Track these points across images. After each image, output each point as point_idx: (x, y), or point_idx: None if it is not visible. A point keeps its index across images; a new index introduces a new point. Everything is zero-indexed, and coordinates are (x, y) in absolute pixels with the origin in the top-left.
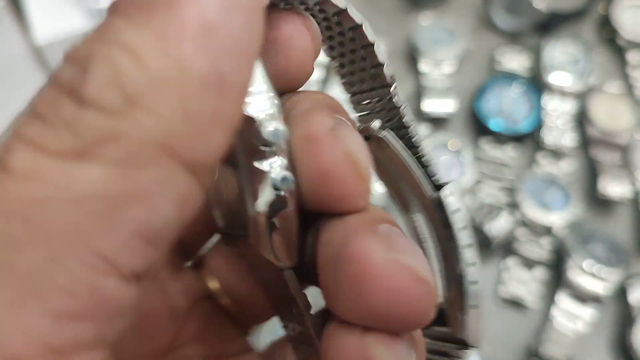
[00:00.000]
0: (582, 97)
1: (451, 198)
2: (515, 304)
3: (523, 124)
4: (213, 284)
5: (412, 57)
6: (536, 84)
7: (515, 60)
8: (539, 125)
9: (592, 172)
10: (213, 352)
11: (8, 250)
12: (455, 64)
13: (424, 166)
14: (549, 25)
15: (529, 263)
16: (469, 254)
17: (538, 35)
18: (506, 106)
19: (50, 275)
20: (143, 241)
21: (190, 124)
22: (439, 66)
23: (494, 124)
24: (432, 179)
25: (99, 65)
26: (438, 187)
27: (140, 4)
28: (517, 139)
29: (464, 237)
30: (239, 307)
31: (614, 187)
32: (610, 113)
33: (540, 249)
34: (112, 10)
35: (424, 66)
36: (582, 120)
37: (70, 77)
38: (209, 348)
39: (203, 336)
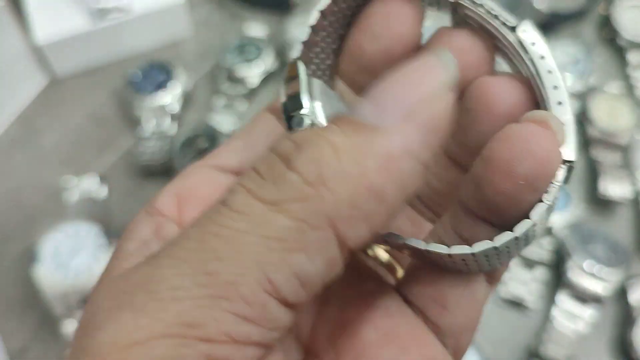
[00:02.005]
0: (582, 97)
1: (528, 34)
2: (516, 304)
3: None
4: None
5: None
6: None
7: None
8: None
9: (592, 173)
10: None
11: (213, 260)
12: None
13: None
14: (549, 25)
15: (529, 263)
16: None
17: None
18: None
19: (238, 286)
20: (299, 282)
21: (352, 213)
22: None
23: None
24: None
25: (310, 148)
26: (513, 28)
27: (354, 124)
28: None
29: (551, 79)
30: None
31: (615, 188)
32: (611, 113)
33: (541, 249)
34: (336, 119)
35: None
36: (582, 120)
37: (287, 149)
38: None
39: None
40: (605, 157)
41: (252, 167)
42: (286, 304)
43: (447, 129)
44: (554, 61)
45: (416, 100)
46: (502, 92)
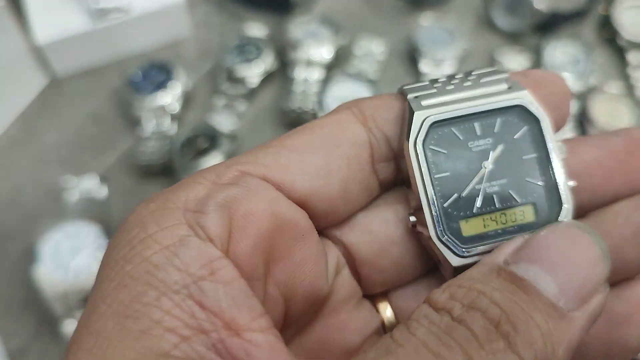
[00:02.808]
0: (582, 97)
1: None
2: None
3: None
4: (388, 317)
5: (412, 57)
6: None
7: (515, 61)
8: None
9: None
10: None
11: None
12: (455, 64)
13: None
14: (549, 25)
15: None
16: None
17: (538, 36)
18: None
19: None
20: None
21: None
22: (439, 66)
23: None
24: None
25: (524, 327)
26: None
27: (545, 302)
28: None
29: None
30: None
31: None
32: (611, 113)
33: None
34: (521, 285)
35: (424, 66)
36: (582, 120)
37: (498, 317)
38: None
39: None
40: None
41: (456, 317)
42: None
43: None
44: (556, 61)
45: (590, 286)
46: None
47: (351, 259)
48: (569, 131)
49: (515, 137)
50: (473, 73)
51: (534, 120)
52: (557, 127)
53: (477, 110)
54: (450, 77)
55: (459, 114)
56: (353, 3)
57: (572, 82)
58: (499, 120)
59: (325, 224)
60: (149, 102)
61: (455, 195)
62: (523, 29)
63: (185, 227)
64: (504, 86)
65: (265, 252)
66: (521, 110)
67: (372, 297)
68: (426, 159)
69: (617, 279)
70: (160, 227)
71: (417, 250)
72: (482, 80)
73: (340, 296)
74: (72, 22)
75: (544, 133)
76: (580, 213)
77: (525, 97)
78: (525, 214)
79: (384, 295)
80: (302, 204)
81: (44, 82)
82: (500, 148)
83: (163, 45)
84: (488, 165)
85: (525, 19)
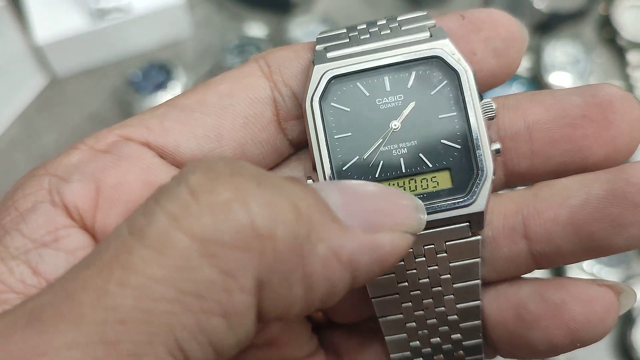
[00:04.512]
0: None
1: None
2: None
3: None
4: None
5: None
6: (536, 84)
7: None
8: None
9: None
10: (284, 356)
11: (115, 323)
12: None
13: None
14: (549, 25)
15: None
16: None
17: (538, 36)
18: None
19: (143, 358)
20: (213, 352)
21: (282, 278)
22: None
23: None
24: None
25: None
26: None
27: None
28: None
29: None
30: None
31: None
32: None
33: None
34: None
35: None
36: None
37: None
38: (281, 353)
39: (278, 340)
40: None
41: (181, 176)
42: None
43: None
44: (556, 61)
45: (384, 220)
46: None
47: None
48: None
49: (431, 93)
50: (398, 19)
51: (454, 74)
52: (500, 78)
53: (387, 63)
54: (371, 24)
55: (366, 67)
56: (353, 3)
57: (572, 82)
58: (413, 74)
59: None
60: (149, 102)
61: (357, 157)
62: None
63: (44, 192)
64: (426, 34)
65: None
66: (439, 62)
67: None
68: (323, 117)
69: (545, 266)
70: (24, 194)
71: None
72: (403, 28)
73: None
74: (72, 22)
75: (463, 88)
76: (517, 180)
77: (444, 47)
78: (439, 181)
79: None
80: None
81: (44, 82)
82: (411, 105)
83: (163, 45)
84: (396, 124)
85: (525, 19)
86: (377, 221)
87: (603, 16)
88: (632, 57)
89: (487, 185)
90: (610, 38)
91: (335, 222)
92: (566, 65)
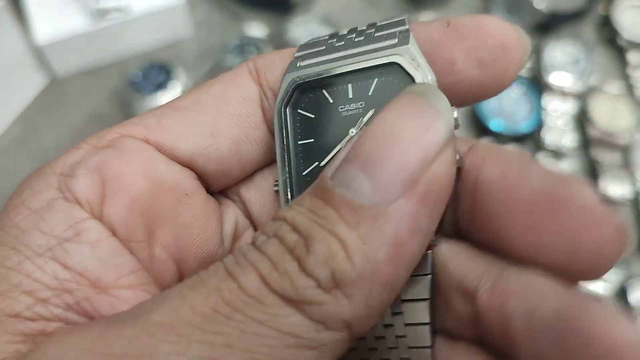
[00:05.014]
0: (582, 97)
1: None
2: None
3: (523, 125)
4: None
5: None
6: (536, 85)
7: None
8: (539, 125)
9: (592, 173)
10: None
11: (222, 345)
12: None
13: None
14: (549, 25)
15: None
16: None
17: (538, 36)
18: (506, 106)
19: None
20: None
21: (368, 313)
22: None
23: (495, 124)
24: None
25: (319, 246)
26: None
27: (355, 210)
28: (518, 139)
29: None
30: None
31: (615, 188)
32: (611, 113)
33: None
34: (324, 194)
35: None
36: (582, 120)
37: (294, 243)
38: None
39: None
40: (605, 157)
41: (257, 245)
42: None
43: (450, 191)
44: (556, 61)
45: (415, 165)
46: None
47: (251, 218)
48: (569, 131)
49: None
50: (377, 24)
51: (412, 81)
52: (490, 90)
53: (351, 70)
54: (351, 31)
55: (331, 74)
56: (353, 3)
57: (572, 82)
58: (375, 81)
59: (221, 185)
60: (149, 102)
61: (316, 163)
62: (523, 28)
63: (54, 190)
64: (394, 40)
65: (144, 213)
66: (398, 69)
67: None
68: (286, 123)
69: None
70: (33, 193)
71: None
72: (376, 34)
73: None
74: (72, 22)
75: None
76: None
77: (405, 53)
78: None
79: None
80: (187, 164)
81: (44, 82)
82: (370, 113)
83: (163, 45)
84: (354, 132)
85: (525, 19)
86: (413, 170)
87: (603, 16)
88: (632, 57)
89: None
90: (610, 38)
91: (375, 217)
92: (566, 65)
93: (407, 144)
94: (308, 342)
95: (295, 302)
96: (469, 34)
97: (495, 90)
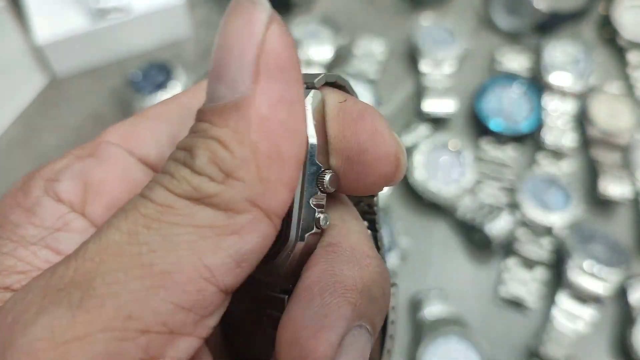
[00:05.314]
0: (582, 97)
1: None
2: (516, 304)
3: (523, 124)
4: None
5: (412, 57)
6: (536, 84)
7: (515, 61)
8: (539, 125)
9: (592, 173)
10: None
11: (147, 252)
12: (455, 64)
13: (378, 248)
14: (549, 25)
15: (529, 263)
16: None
17: (538, 36)
18: (506, 106)
19: (174, 274)
20: (235, 263)
21: (265, 186)
22: (439, 66)
23: (495, 124)
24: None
25: (200, 151)
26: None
27: (220, 112)
28: (518, 139)
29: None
30: None
31: (615, 188)
32: (611, 113)
33: (541, 249)
34: (199, 117)
35: (424, 66)
36: (582, 120)
37: (183, 156)
38: None
39: None
40: (605, 157)
41: (162, 170)
42: (222, 287)
43: (294, 56)
44: (556, 61)
45: (250, 51)
46: None
47: None
48: (569, 131)
49: None
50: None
51: None
52: (357, 188)
53: None
54: None
55: None
56: (353, 3)
57: (572, 82)
58: None
59: None
60: (149, 102)
61: None
62: (523, 28)
63: (42, 192)
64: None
65: None
66: None
67: None
68: None
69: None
70: (24, 194)
71: None
72: None
73: None
74: (72, 22)
75: None
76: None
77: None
78: None
79: None
80: (157, 169)
81: (44, 82)
82: None
83: (163, 45)
84: None
85: (525, 19)
86: (249, 59)
87: (603, 16)
88: (632, 57)
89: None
90: (610, 38)
91: (236, 110)
92: (566, 65)
93: (237, 39)
94: (225, 230)
95: (199, 199)
96: (348, 125)
97: (362, 190)
